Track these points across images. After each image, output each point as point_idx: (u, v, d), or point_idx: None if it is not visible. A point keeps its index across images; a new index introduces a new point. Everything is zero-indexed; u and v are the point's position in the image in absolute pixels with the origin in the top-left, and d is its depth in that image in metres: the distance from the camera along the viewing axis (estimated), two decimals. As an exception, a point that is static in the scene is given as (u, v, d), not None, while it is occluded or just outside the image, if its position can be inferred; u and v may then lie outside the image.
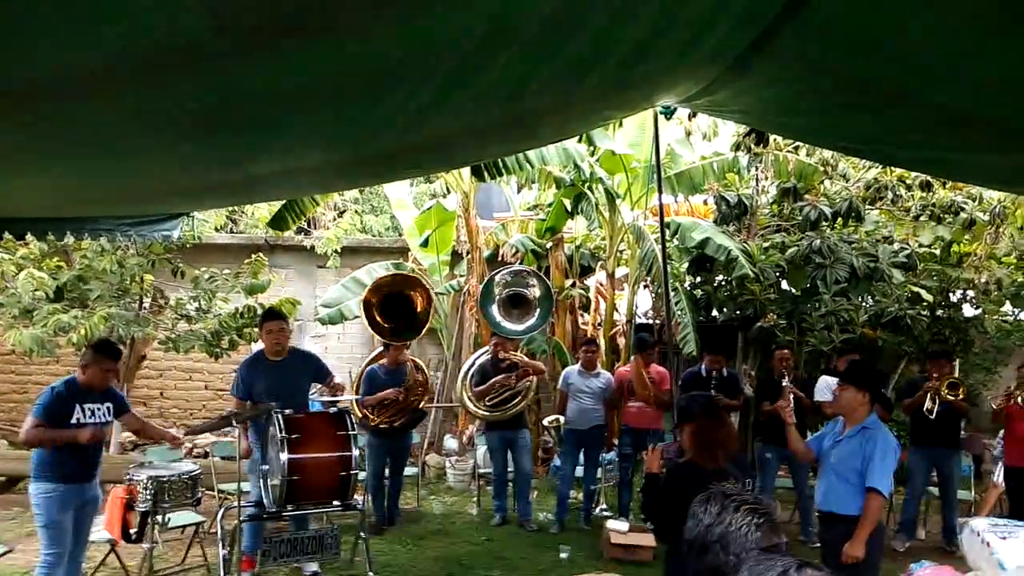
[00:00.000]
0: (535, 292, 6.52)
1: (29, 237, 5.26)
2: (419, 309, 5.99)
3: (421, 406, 6.44)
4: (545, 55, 2.30)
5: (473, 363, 6.94)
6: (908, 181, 8.03)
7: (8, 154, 2.47)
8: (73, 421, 4.17)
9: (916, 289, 7.82)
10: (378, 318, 5.99)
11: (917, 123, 3.00)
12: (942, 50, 2.19)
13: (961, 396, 5.95)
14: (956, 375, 6.19)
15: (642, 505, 3.34)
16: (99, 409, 4.31)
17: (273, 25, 1.66)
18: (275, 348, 5.16)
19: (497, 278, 6.52)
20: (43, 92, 1.80)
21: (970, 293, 8.23)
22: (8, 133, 2.17)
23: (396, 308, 6.04)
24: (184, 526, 5.34)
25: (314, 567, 5.26)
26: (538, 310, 6.48)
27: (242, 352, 7.12)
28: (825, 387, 6.00)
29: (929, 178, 7.48)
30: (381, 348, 6.81)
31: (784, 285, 8.00)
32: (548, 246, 8.92)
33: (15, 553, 5.19)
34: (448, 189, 9.22)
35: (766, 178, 8.29)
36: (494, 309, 6.56)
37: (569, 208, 8.38)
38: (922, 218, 7.98)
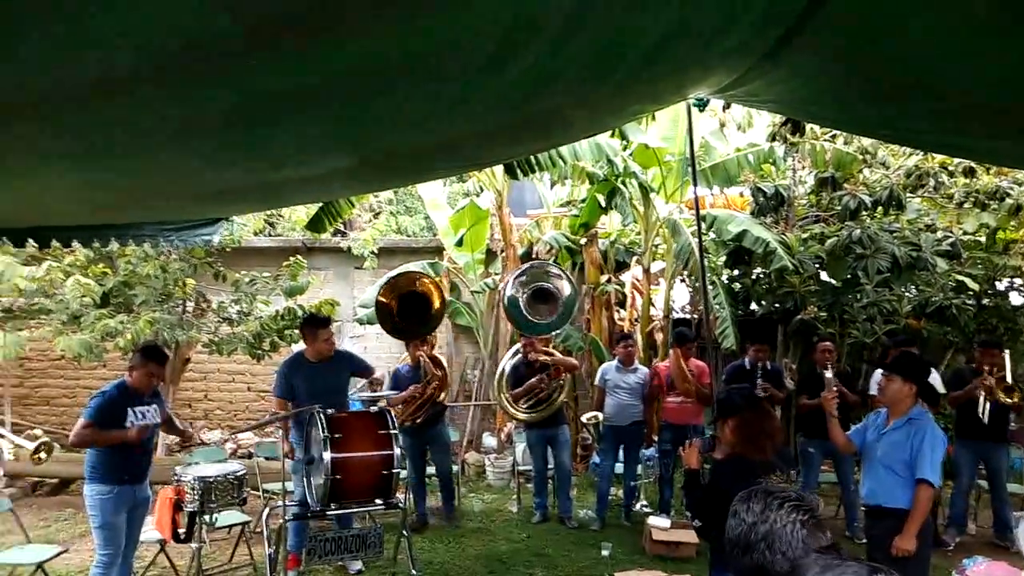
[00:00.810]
0: (559, 284, 6.43)
1: (75, 244, 5.39)
2: (435, 305, 5.97)
3: (439, 399, 6.42)
4: (570, 50, 2.29)
5: (506, 365, 6.94)
6: (950, 167, 7.84)
7: (48, 161, 2.54)
8: (127, 424, 4.29)
9: (961, 278, 7.64)
10: (394, 317, 5.97)
11: (956, 110, 2.92)
12: (972, 38, 2.14)
13: (1016, 400, 5.80)
14: (1008, 367, 6.01)
15: (686, 503, 3.29)
16: (148, 411, 4.44)
17: (301, 24, 1.67)
18: (329, 352, 5.29)
19: (512, 276, 6.47)
20: (70, 98, 1.84)
21: (1017, 281, 8.01)
22: (47, 140, 2.23)
23: (412, 306, 6.03)
24: (231, 526, 5.44)
25: (358, 565, 5.33)
26: (562, 304, 6.39)
27: (283, 353, 7.22)
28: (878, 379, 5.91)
29: (972, 164, 7.30)
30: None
31: (824, 276, 7.88)
32: (582, 242, 8.89)
33: (70, 553, 5.34)
34: (481, 187, 9.25)
35: (803, 168, 8.17)
36: (520, 307, 6.49)
37: (603, 203, 8.34)
38: (966, 205, 7.79)
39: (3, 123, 1.98)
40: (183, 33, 1.59)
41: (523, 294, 6.32)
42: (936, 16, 2.04)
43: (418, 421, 6.30)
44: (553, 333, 7.10)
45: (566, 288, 6.24)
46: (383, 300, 5.84)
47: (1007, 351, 6.11)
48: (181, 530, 4.60)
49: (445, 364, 6.69)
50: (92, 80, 1.75)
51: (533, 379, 6.57)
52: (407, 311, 5.89)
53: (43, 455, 4.90)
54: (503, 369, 6.93)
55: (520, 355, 6.77)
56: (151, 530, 4.89)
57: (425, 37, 1.94)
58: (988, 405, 5.81)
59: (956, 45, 2.23)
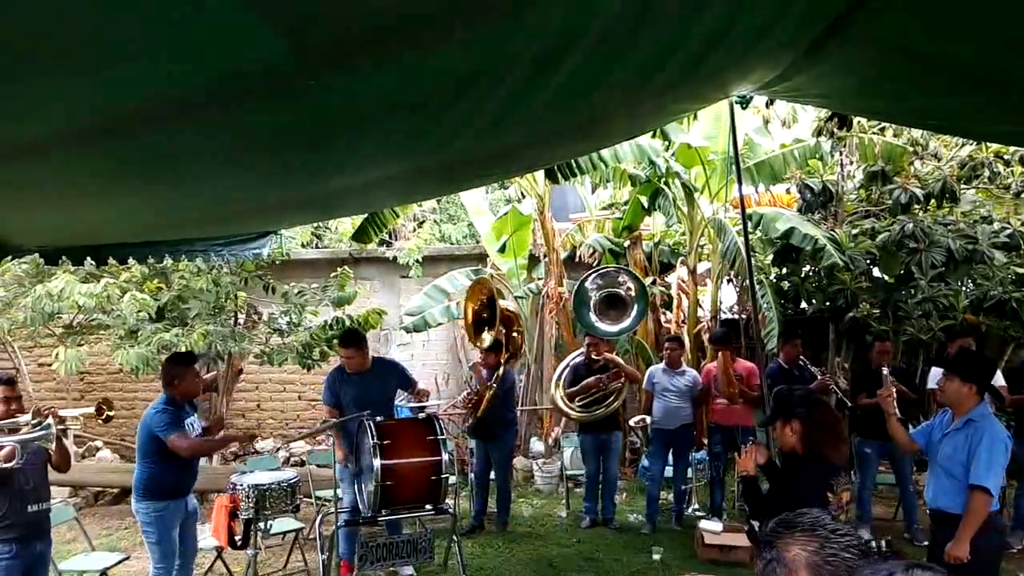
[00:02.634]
0: (630, 291, 6.44)
1: (131, 261, 5.55)
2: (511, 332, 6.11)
3: (479, 412, 6.35)
4: (616, 54, 2.29)
5: (568, 363, 6.97)
6: (1007, 156, 7.59)
7: (113, 185, 2.62)
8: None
9: (1021, 270, 7.38)
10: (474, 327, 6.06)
11: (1005, 99, 2.83)
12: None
13: None
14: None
15: (748, 512, 3.20)
16: (195, 422, 4.54)
17: (350, 44, 1.70)
18: (351, 369, 5.32)
19: (588, 283, 6.49)
20: (132, 121, 1.90)
21: (1081, 271, 7.71)
22: (112, 165, 2.31)
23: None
24: (285, 532, 5.53)
25: (409, 570, 5.37)
26: (635, 308, 6.40)
27: (332, 363, 7.33)
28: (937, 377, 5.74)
29: (1030, 152, 7.07)
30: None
31: (876, 272, 7.69)
32: (626, 244, 8.84)
33: (131, 560, 5.49)
34: (523, 193, 9.27)
35: (851, 162, 7.99)
36: (588, 311, 6.52)
37: (646, 205, 8.28)
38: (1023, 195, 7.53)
39: (72, 148, 2.06)
40: (242, 59, 1.63)
41: (594, 299, 6.36)
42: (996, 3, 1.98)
43: (466, 426, 6.34)
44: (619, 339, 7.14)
45: (634, 291, 6.29)
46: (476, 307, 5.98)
47: None
48: (237, 537, 4.69)
49: (499, 377, 6.65)
50: (153, 105, 1.81)
51: (591, 379, 6.57)
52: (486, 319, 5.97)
53: (108, 412, 5.01)
54: (564, 366, 6.97)
55: (583, 355, 6.78)
56: (208, 537, 5.01)
57: (479, 49, 1.96)
58: None
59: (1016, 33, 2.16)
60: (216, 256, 5.41)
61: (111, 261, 5.03)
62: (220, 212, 4.01)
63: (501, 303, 5.86)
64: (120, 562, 5.04)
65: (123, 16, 1.33)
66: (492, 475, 6.74)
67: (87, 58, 1.46)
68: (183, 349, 6.39)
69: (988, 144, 7.34)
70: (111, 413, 5.10)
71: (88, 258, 4.71)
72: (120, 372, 8.66)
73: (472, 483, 6.64)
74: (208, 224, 4.52)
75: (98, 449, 9.24)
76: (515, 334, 6.31)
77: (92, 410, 4.96)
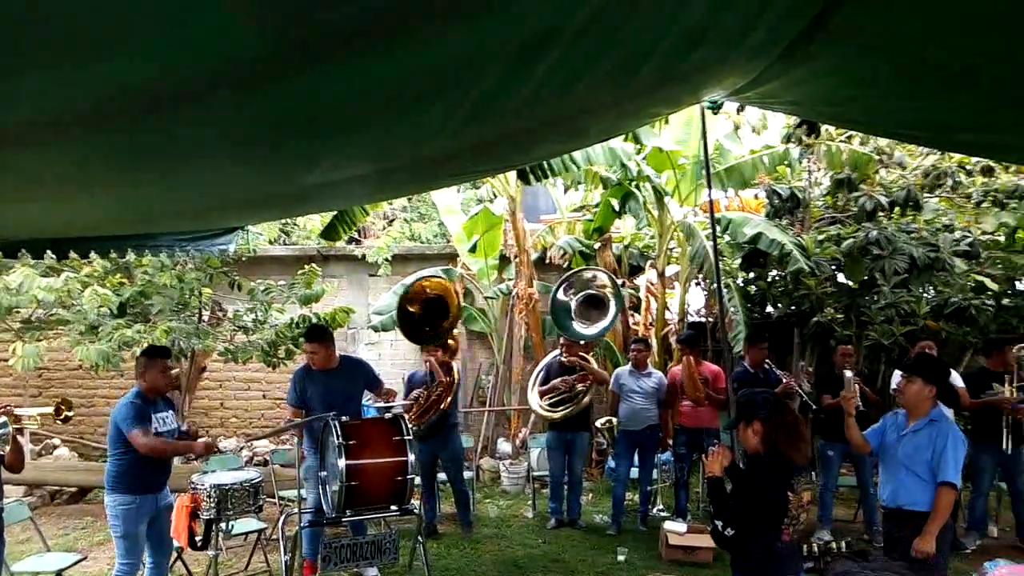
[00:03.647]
0: (604, 288, 6.47)
1: (93, 255, 5.43)
2: (452, 313, 5.95)
3: (442, 407, 6.34)
4: (594, 52, 2.28)
5: (545, 362, 7.03)
6: (968, 167, 7.76)
7: (71, 174, 2.56)
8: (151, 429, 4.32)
9: (980, 278, 7.55)
10: (415, 314, 5.93)
11: (978, 106, 2.88)
12: (1008, 25, 2.09)
13: None
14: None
15: (713, 512, 3.23)
16: (167, 417, 4.47)
17: (325, 39, 1.68)
18: (315, 366, 5.24)
19: (561, 294, 6.51)
20: (100, 113, 1.86)
21: (1038, 280, 7.91)
22: (70, 154, 2.25)
23: (431, 312, 5.99)
24: (247, 533, 5.45)
25: (374, 571, 5.32)
26: (613, 304, 6.44)
27: (298, 361, 7.24)
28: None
29: (991, 163, 7.22)
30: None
31: (841, 278, 7.81)
32: (596, 246, 8.88)
33: (88, 561, 5.38)
34: (495, 193, 9.26)
35: (819, 169, 8.11)
36: (571, 319, 6.54)
37: (616, 207, 8.32)
38: (984, 204, 7.70)
39: (38, 142, 2.01)
40: (215, 53, 1.60)
41: (574, 300, 6.37)
42: (970, 8, 2.01)
43: (422, 427, 6.24)
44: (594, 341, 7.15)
45: (609, 287, 6.31)
46: (403, 305, 5.85)
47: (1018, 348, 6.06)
48: (198, 537, 4.61)
49: (456, 371, 6.65)
50: (119, 97, 1.76)
51: (558, 380, 6.61)
52: (425, 316, 5.88)
53: (67, 412, 4.88)
54: (540, 366, 7.03)
55: (558, 355, 6.82)
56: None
57: (456, 45, 1.94)
58: (1010, 419, 5.79)
59: (990, 40, 2.19)
60: (181, 251, 5.34)
61: (72, 255, 4.94)
62: (188, 207, 3.94)
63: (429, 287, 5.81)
64: (76, 563, 4.93)
65: (92, 7, 1.29)
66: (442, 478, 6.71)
67: (55, 49, 1.42)
68: (145, 345, 6.27)
69: (951, 154, 7.49)
70: (70, 413, 4.98)
71: (48, 251, 4.61)
72: (79, 368, 8.49)
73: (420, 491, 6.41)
74: (175, 219, 4.45)
75: (56, 447, 9.03)
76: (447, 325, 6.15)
77: (50, 410, 4.84)
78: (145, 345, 6.20)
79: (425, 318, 5.81)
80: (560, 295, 6.50)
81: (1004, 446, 5.83)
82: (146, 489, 4.32)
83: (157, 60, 1.59)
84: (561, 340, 6.77)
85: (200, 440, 4.35)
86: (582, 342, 6.71)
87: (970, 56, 2.39)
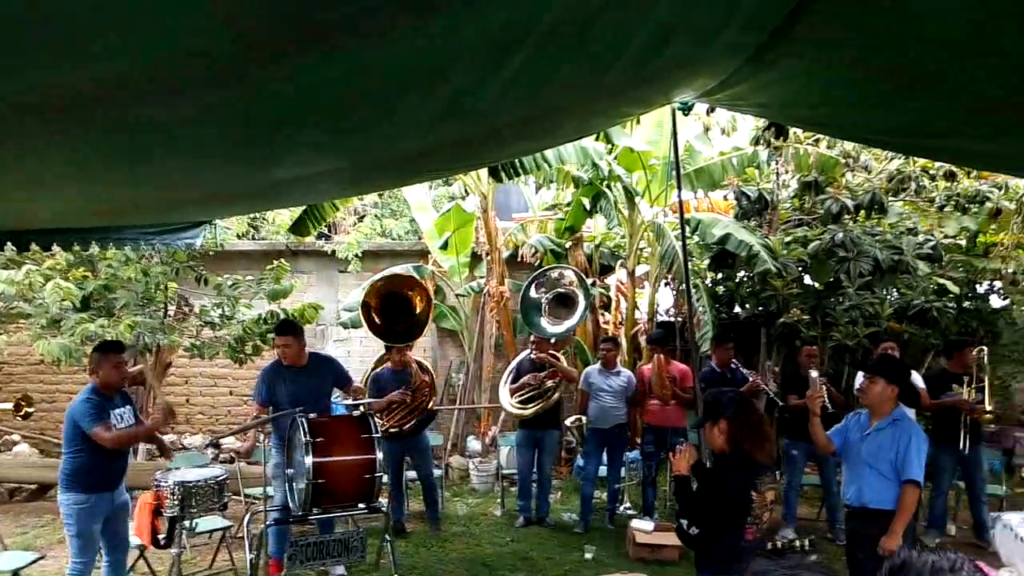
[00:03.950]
0: (573, 285, 6.50)
1: (55, 248, 5.32)
2: (418, 310, 5.95)
3: (429, 407, 6.38)
4: (566, 50, 2.29)
5: (515, 360, 7.04)
6: (932, 171, 7.91)
7: (34, 166, 2.51)
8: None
9: (942, 281, 7.71)
10: (377, 320, 5.92)
11: (945, 112, 2.94)
12: (976, 26, 2.13)
13: (992, 419, 5.92)
14: (984, 365, 6.09)
15: (679, 510, 3.26)
16: (125, 413, 4.39)
17: (294, 36, 1.67)
18: (285, 361, 5.19)
19: (532, 292, 6.53)
20: (68, 103, 1.82)
21: (997, 284, 8.10)
22: (34, 145, 2.20)
23: (396, 309, 5.99)
24: (212, 531, 5.38)
25: (340, 570, 5.28)
26: (582, 301, 6.48)
27: (266, 357, 7.17)
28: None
29: (953, 168, 7.37)
30: (384, 351, 6.72)
31: (807, 280, 7.92)
32: (567, 245, 8.90)
33: (47, 560, 5.26)
34: (467, 191, 9.24)
35: (786, 172, 8.22)
36: (542, 318, 6.55)
37: (588, 207, 8.36)
38: (947, 208, 7.86)
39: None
40: (183, 45, 1.58)
41: (544, 297, 6.38)
42: (935, 12, 2.04)
43: (405, 428, 6.24)
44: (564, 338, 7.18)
45: (577, 285, 6.32)
46: (369, 303, 5.82)
47: (982, 350, 6.20)
48: (161, 536, 4.55)
49: (430, 369, 6.68)
50: (87, 88, 1.73)
51: (527, 376, 6.61)
52: (392, 314, 5.86)
53: (27, 408, 4.77)
54: (512, 365, 7.03)
55: (528, 353, 6.83)
56: (131, 536, 4.83)
57: (428, 42, 1.93)
58: (968, 420, 5.94)
59: (955, 44, 2.23)
60: (146, 245, 5.25)
61: (34, 247, 4.83)
62: (156, 199, 3.88)
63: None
64: (34, 562, 4.82)
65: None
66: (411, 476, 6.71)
67: (18, 40, 1.39)
68: (108, 339, 6.17)
69: (915, 159, 7.63)
70: (30, 409, 4.89)
71: (9, 243, 4.51)
72: (41, 363, 8.32)
73: (388, 490, 6.35)
74: (142, 212, 4.38)
75: (15, 443, 8.84)
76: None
77: (10, 406, 4.75)
78: (108, 339, 6.11)
79: (390, 316, 5.80)
80: (531, 293, 6.52)
81: (961, 446, 5.97)
82: (102, 487, 4.24)
83: (122, 54, 1.57)
84: (531, 338, 6.79)
85: (155, 415, 4.24)
86: (552, 340, 6.74)
87: (927, 64, 2.44)
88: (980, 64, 2.34)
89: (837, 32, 2.37)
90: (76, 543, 4.21)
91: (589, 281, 8.82)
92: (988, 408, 5.87)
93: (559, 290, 6.51)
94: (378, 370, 6.62)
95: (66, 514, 4.20)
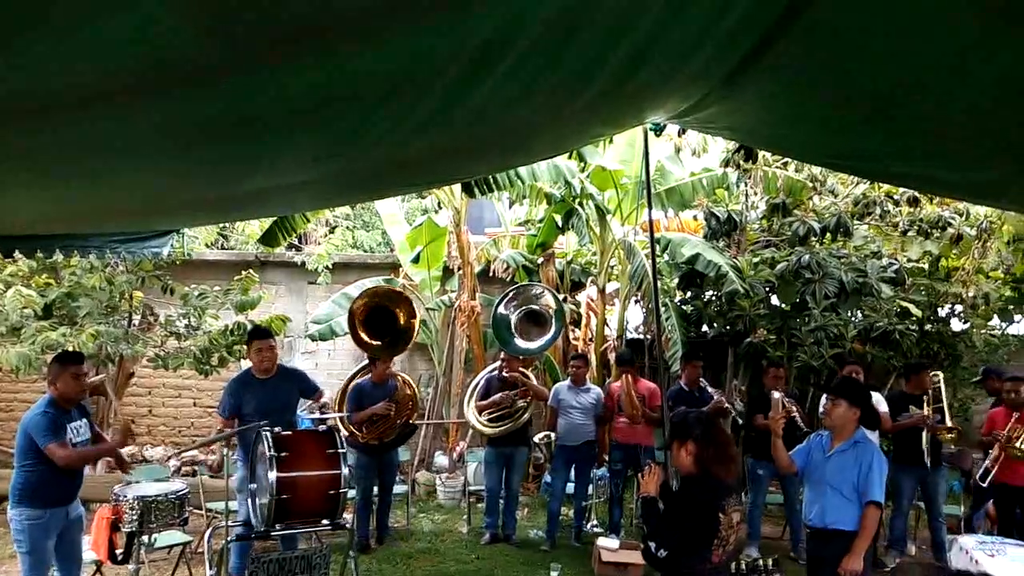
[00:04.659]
0: (548, 307, 6.52)
1: (17, 254, 5.22)
2: (402, 323, 5.97)
3: (412, 421, 6.40)
4: (542, 67, 2.31)
5: (483, 376, 7.01)
6: (896, 196, 8.09)
7: (6, 174, 2.46)
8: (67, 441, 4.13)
9: (905, 304, 7.86)
10: (362, 333, 5.95)
11: (904, 142, 3.02)
12: (936, 61, 2.20)
13: (954, 436, 6.01)
14: (941, 388, 6.22)
15: (646, 532, 3.25)
16: (81, 427, 4.27)
17: (268, 44, 1.66)
18: (263, 366, 5.15)
19: (503, 307, 6.54)
20: (34, 107, 1.80)
21: (958, 308, 8.27)
22: (5, 153, 2.16)
23: (382, 322, 6.00)
24: (171, 546, 5.28)
25: (303, 587, 5.21)
26: (554, 325, 6.49)
27: (232, 369, 7.08)
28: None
29: (916, 194, 7.54)
30: (365, 363, 6.74)
31: (774, 300, 8.02)
32: (539, 261, 8.93)
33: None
34: (440, 205, 9.25)
35: (755, 194, 8.33)
36: (511, 334, 6.54)
37: (560, 223, 8.40)
38: (910, 233, 8.02)
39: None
40: (160, 51, 1.56)
41: (515, 314, 6.37)
42: (901, 45, 2.10)
43: (385, 441, 6.20)
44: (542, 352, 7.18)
45: (552, 303, 6.33)
46: (355, 315, 5.82)
47: (939, 374, 6.33)
48: (118, 551, 4.46)
49: (412, 383, 6.65)
50: (55, 93, 1.71)
51: (498, 395, 6.60)
52: (377, 327, 5.86)
53: None
54: (479, 380, 6.98)
55: (497, 370, 6.80)
56: (87, 550, 4.72)
57: (406, 54, 1.94)
58: (929, 437, 6.03)
59: (919, 76, 2.29)
60: (112, 253, 5.17)
61: (-7, 253, 4.73)
62: (124, 207, 3.83)
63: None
64: (-14, 576, 4.70)
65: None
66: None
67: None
68: (70, 349, 6.04)
69: (880, 184, 7.80)
70: None
71: (-31, 250, 4.42)
72: (-2, 371, 8.12)
73: (357, 505, 6.31)
74: (110, 219, 4.31)
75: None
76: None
77: None
78: (71, 349, 5.99)
79: (379, 329, 5.81)
80: (501, 308, 6.52)
81: (925, 461, 6.05)
82: (56, 502, 4.11)
83: (97, 56, 1.55)
84: (502, 355, 6.77)
85: (113, 434, 4.15)
86: (521, 357, 6.74)
87: (887, 97, 2.51)
88: (936, 100, 2.41)
89: (803, 63, 2.42)
90: (28, 560, 4.07)
91: (560, 297, 8.88)
92: (949, 425, 5.98)
93: (532, 307, 6.51)
94: (358, 381, 6.58)
95: (17, 530, 4.05)
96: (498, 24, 1.92)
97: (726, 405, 6.37)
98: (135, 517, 4.35)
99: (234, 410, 5.13)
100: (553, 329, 6.49)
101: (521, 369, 6.72)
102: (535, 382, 6.89)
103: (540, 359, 8.47)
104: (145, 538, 4.48)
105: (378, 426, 6.18)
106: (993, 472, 5.75)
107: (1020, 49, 1.95)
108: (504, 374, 6.67)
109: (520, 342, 6.60)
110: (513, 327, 6.52)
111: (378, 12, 1.66)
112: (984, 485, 5.87)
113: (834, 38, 2.23)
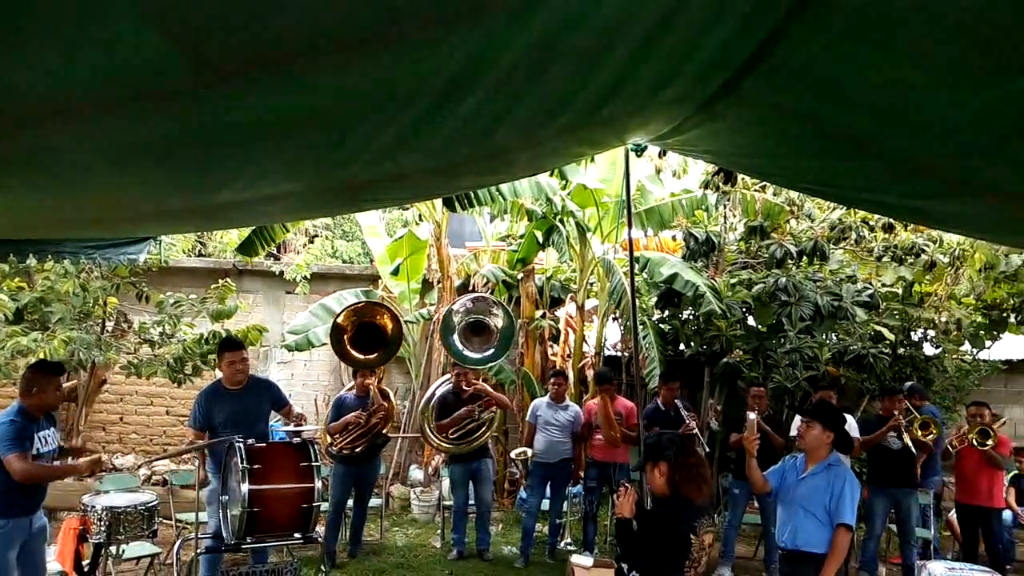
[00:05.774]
0: (497, 321, 6.41)
1: (-11, 258, 5.16)
2: (389, 335, 5.93)
3: (384, 431, 6.32)
4: (520, 92, 2.33)
5: (433, 394, 6.86)
6: (871, 222, 8.22)
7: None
8: (34, 451, 4.04)
9: (878, 328, 7.96)
10: (348, 346, 5.91)
11: (880, 171, 3.07)
12: (908, 99, 2.25)
13: (934, 434, 6.07)
14: (914, 410, 6.31)
15: (619, 553, 3.26)
16: (49, 436, 4.18)
17: (246, 63, 1.66)
18: (235, 378, 5.09)
19: (457, 305, 6.46)
20: (10, 120, 1.79)
21: (931, 333, 8.40)
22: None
23: (366, 335, 5.97)
24: (139, 558, 5.20)
25: (273, 601, 5.14)
26: (499, 339, 6.35)
27: (207, 378, 7.00)
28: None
29: (891, 220, 7.66)
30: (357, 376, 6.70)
31: (750, 321, 8.09)
32: (519, 277, 8.95)
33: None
34: (420, 217, 9.24)
35: (734, 216, 8.43)
36: (455, 337, 6.43)
37: (540, 240, 8.44)
38: (884, 259, 8.14)
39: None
40: (133, 65, 1.56)
41: (460, 324, 6.27)
42: (878, 76, 2.14)
43: (357, 450, 6.14)
44: (487, 366, 7.06)
45: (502, 322, 6.22)
46: (340, 325, 5.77)
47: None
48: (85, 562, 4.38)
49: (392, 397, 6.59)
50: (21, 104, 1.70)
51: (463, 410, 6.51)
52: (362, 339, 5.82)
53: None
54: (429, 397, 6.87)
55: (450, 384, 6.71)
56: (52, 561, 4.63)
57: (385, 73, 1.95)
58: (899, 439, 6.08)
59: (896, 107, 2.34)
60: (87, 258, 5.11)
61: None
62: (99, 215, 3.78)
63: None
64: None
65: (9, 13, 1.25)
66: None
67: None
68: (41, 355, 5.95)
69: (856, 210, 7.92)
70: None
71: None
72: (-34, 376, 7.97)
73: (328, 516, 6.24)
74: (84, 226, 4.25)
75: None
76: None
77: None
78: (41, 355, 5.90)
79: (359, 341, 5.77)
80: (452, 318, 6.37)
81: (913, 449, 6.08)
82: (20, 512, 3.97)
83: (72, 68, 1.54)
84: (455, 369, 6.65)
85: (83, 460, 4.05)
86: (469, 367, 6.59)
87: (860, 128, 2.57)
88: (909, 133, 2.47)
89: (780, 92, 2.47)
90: None
91: (539, 313, 8.90)
92: (928, 416, 6.09)
93: (478, 316, 6.36)
94: (341, 394, 6.56)
95: None
96: (480, 47, 1.94)
97: (694, 431, 6.33)
98: (103, 528, 4.28)
99: (205, 422, 5.07)
100: (499, 344, 6.31)
101: (474, 381, 6.63)
102: (491, 390, 6.80)
103: (517, 374, 8.47)
104: (113, 549, 4.41)
105: (350, 435, 6.13)
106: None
107: (996, 87, 2.00)
108: (464, 387, 6.56)
109: (470, 352, 6.40)
110: (459, 335, 6.37)
111: (357, 31, 1.67)
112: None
113: (801, 79, 2.28)
